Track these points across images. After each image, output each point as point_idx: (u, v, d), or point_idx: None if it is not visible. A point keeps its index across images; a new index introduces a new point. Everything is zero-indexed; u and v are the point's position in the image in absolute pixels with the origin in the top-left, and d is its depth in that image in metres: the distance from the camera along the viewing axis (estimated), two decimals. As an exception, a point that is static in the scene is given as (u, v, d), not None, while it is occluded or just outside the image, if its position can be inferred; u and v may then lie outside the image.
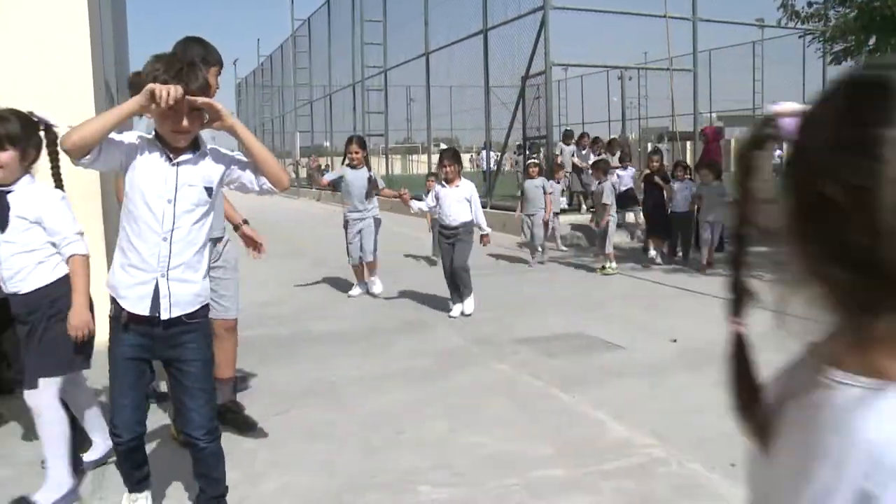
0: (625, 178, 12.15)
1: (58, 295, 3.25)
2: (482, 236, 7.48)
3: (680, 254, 10.65)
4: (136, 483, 2.98)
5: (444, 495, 3.41)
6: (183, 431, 3.02)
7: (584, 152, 15.57)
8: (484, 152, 18.60)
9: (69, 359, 3.31)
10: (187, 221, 2.71)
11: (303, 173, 34.11)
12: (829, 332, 0.79)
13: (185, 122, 2.63)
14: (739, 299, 0.89)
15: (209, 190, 2.77)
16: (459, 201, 7.18)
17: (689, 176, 10.46)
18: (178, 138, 2.68)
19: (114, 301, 2.75)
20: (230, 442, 3.84)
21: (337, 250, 9.08)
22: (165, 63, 2.63)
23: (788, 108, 0.79)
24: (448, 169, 7.26)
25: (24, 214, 3.21)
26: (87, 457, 3.68)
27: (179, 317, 2.74)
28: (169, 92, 2.49)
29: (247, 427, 4.24)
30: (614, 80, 33.07)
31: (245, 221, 4.61)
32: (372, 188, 8.24)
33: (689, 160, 15.02)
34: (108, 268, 2.96)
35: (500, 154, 17.59)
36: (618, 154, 14.90)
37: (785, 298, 0.83)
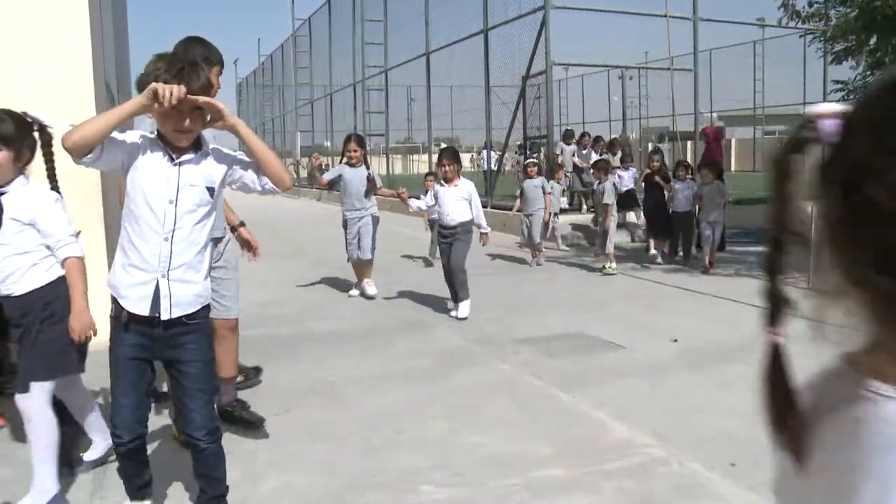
0: (626, 178, 12.15)
1: (52, 297, 3.22)
2: (482, 235, 7.46)
3: (681, 254, 10.65)
4: (136, 490, 2.95)
5: (444, 495, 3.41)
6: (184, 432, 3.02)
7: (584, 152, 15.57)
8: (485, 152, 18.59)
9: (63, 362, 3.28)
10: (189, 222, 2.71)
11: (303, 173, 34.12)
12: (869, 343, 0.76)
13: (187, 122, 2.63)
14: (776, 308, 0.86)
15: (211, 190, 2.76)
16: (458, 200, 7.16)
17: (690, 176, 10.46)
18: (180, 138, 2.68)
19: (114, 301, 2.75)
20: (231, 442, 3.84)
21: (337, 250, 9.08)
22: (167, 62, 2.63)
23: (829, 109, 0.77)
24: (447, 168, 7.25)
25: (17, 216, 3.18)
26: (87, 456, 3.68)
27: (180, 317, 2.73)
28: (172, 91, 2.49)
29: (254, 424, 4.27)
30: (615, 80, 33.12)
31: (242, 223, 4.60)
32: (371, 187, 8.19)
33: (689, 160, 14.99)
34: (109, 267, 2.96)
35: (500, 154, 17.59)
36: (618, 154, 14.91)
37: (823, 307, 0.80)
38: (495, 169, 17.35)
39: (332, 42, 28.55)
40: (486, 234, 7.53)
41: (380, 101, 23.99)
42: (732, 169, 33.00)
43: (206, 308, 2.87)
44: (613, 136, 21.40)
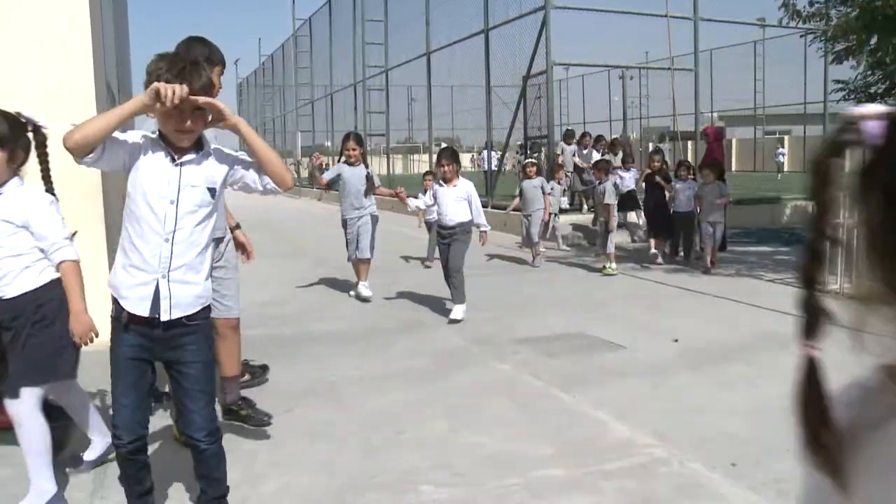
0: (627, 179, 12.12)
1: (44, 300, 3.19)
2: (481, 233, 7.45)
3: (681, 254, 10.65)
4: (137, 497, 2.92)
5: (444, 495, 3.41)
6: (184, 433, 3.02)
7: (585, 152, 15.55)
8: (485, 152, 18.60)
9: (54, 367, 3.24)
10: (190, 222, 2.70)
11: (304, 173, 34.12)
12: None
13: (188, 123, 2.62)
14: (813, 320, 0.82)
15: (212, 191, 2.75)
16: (457, 200, 7.14)
17: (692, 176, 10.45)
18: (181, 138, 2.67)
19: (115, 301, 2.74)
20: (231, 442, 3.84)
21: (338, 250, 9.08)
22: (169, 62, 2.62)
23: (873, 110, 0.74)
24: (446, 169, 7.23)
25: (10, 218, 3.13)
26: (87, 456, 3.67)
27: (180, 318, 2.72)
28: (174, 91, 2.48)
29: (262, 421, 4.29)
30: (615, 80, 33.14)
31: (237, 226, 4.60)
32: (370, 186, 8.14)
33: (690, 160, 14.98)
34: (110, 268, 2.95)
35: (501, 154, 17.59)
36: (619, 154, 14.89)
37: (862, 316, 0.77)
38: (496, 169, 17.35)
39: (333, 42, 28.56)
40: (486, 232, 7.50)
41: (380, 101, 24.00)
42: (733, 169, 33.02)
43: (207, 309, 2.85)
44: (614, 136, 21.37)
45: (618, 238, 10.17)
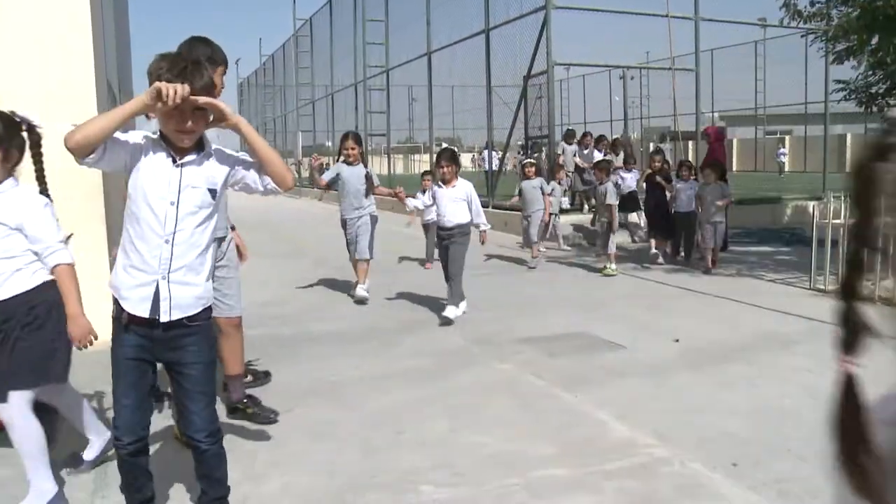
0: (628, 179, 12.09)
1: (36, 302, 3.15)
2: (481, 233, 7.42)
3: (682, 254, 10.64)
4: None
5: (445, 495, 3.41)
6: (185, 433, 3.01)
7: (586, 152, 15.55)
8: (486, 152, 18.59)
9: (44, 371, 3.20)
10: (190, 224, 2.69)
11: (305, 173, 34.12)
12: None
13: (189, 123, 2.61)
14: (852, 335, 0.78)
15: (213, 192, 2.74)
16: (455, 201, 7.10)
17: (693, 176, 10.43)
18: (182, 138, 2.65)
19: (115, 302, 2.74)
20: (232, 442, 3.84)
21: (338, 250, 9.07)
22: (170, 62, 2.60)
23: None
24: (445, 170, 7.19)
25: (4, 220, 3.09)
26: (86, 455, 3.65)
27: (180, 319, 2.71)
28: (176, 90, 2.47)
29: (267, 419, 4.35)
30: (616, 80, 33.16)
31: (232, 227, 4.60)
32: (369, 185, 8.06)
33: (691, 160, 14.98)
34: (110, 268, 2.94)
35: (502, 154, 17.59)
36: (621, 154, 14.88)
37: None
38: (497, 169, 17.35)
39: (334, 42, 28.55)
40: (486, 231, 7.46)
41: (381, 101, 23.99)
42: (734, 169, 33.00)
43: (208, 310, 2.84)
44: (615, 137, 21.37)
45: (618, 238, 10.17)
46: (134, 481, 2.87)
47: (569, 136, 16.34)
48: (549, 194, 10.87)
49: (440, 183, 7.26)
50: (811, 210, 8.53)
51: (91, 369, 4.32)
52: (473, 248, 7.55)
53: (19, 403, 3.14)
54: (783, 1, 10.16)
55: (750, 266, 10.05)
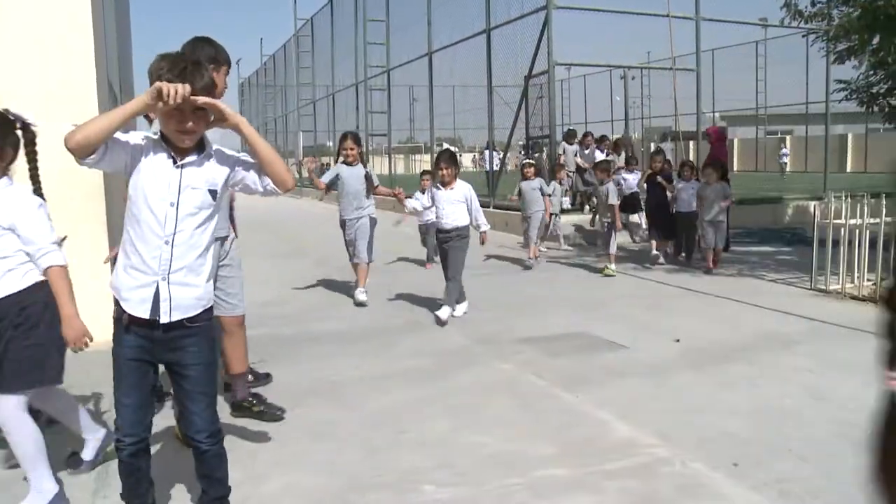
0: (630, 181, 12.07)
1: (28, 303, 3.12)
2: (481, 234, 7.39)
3: (683, 254, 10.63)
4: None
5: (446, 495, 3.41)
6: (185, 434, 3.01)
7: (587, 152, 15.54)
8: (487, 152, 18.59)
9: (39, 372, 3.17)
10: (190, 225, 2.68)
11: (305, 172, 34.09)
12: None
13: (189, 123, 2.61)
14: None
15: (213, 193, 2.73)
16: (454, 203, 7.07)
17: (695, 176, 10.41)
18: (182, 139, 2.65)
19: (116, 302, 2.74)
20: (232, 442, 3.85)
21: (339, 250, 9.06)
22: (170, 62, 2.59)
23: None
24: (444, 172, 7.14)
25: None
26: (85, 455, 3.63)
27: (180, 320, 2.71)
28: (177, 90, 2.46)
29: (275, 416, 4.38)
30: (617, 80, 33.17)
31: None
32: (369, 186, 7.98)
33: (692, 160, 14.97)
34: (111, 268, 2.94)
35: (503, 154, 17.59)
36: (623, 154, 14.87)
37: None
38: (498, 169, 17.35)
39: (335, 42, 28.56)
40: (486, 232, 7.40)
41: (382, 101, 24.00)
42: (735, 169, 33.01)
43: (209, 311, 2.83)
44: (617, 137, 21.36)
45: (619, 238, 10.16)
46: (135, 487, 2.85)
47: (570, 136, 16.34)
48: (549, 195, 10.84)
49: (439, 185, 7.23)
50: (812, 210, 8.52)
51: (92, 370, 4.32)
52: (474, 248, 7.55)
53: (15, 406, 3.13)
54: (784, 1, 10.15)
55: (751, 266, 10.05)
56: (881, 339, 0.65)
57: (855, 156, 36.68)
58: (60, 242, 3.20)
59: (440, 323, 6.88)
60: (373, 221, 8.09)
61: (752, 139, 37.79)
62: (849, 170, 35.78)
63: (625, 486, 3.47)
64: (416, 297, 8.15)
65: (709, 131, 13.78)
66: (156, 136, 2.70)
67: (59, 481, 3.29)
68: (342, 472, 3.66)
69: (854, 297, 7.77)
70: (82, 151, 2.47)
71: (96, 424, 3.70)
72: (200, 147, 2.73)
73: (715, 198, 9.76)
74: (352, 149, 7.95)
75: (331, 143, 30.64)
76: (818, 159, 22.13)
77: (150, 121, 2.68)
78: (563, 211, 12.95)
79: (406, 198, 7.63)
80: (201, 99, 2.57)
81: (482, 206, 7.46)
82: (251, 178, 2.81)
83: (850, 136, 36.83)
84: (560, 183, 12.65)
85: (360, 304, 7.85)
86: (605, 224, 9.85)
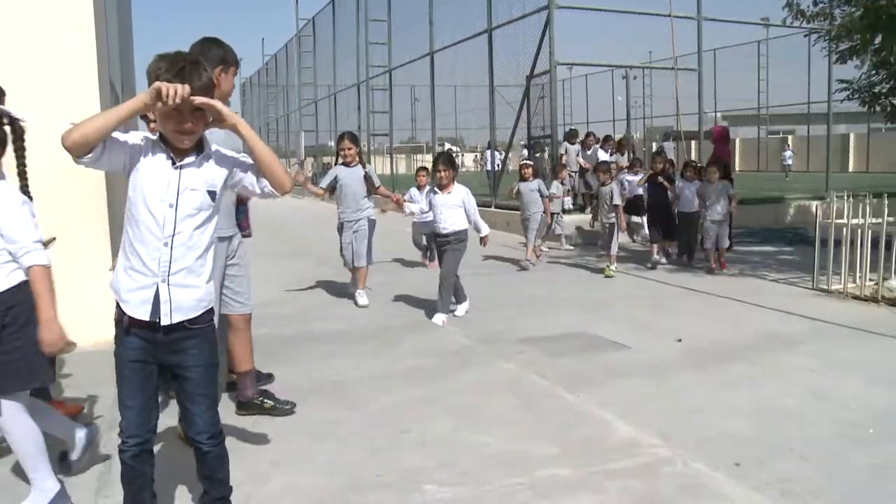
0: (633, 183, 12.03)
1: (13, 303, 3.07)
2: (481, 238, 7.33)
3: (685, 255, 10.62)
4: None
5: (448, 494, 3.41)
6: (186, 435, 3.01)
7: (589, 152, 15.54)
8: (488, 152, 18.60)
9: (32, 372, 3.12)
10: (189, 226, 2.67)
11: (308, 172, 34.10)
12: None
13: (188, 124, 2.59)
14: None
15: (212, 194, 2.72)
16: (451, 208, 7.02)
17: (698, 176, 10.38)
18: (181, 139, 2.63)
19: (117, 304, 2.72)
20: (234, 442, 3.85)
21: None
22: (168, 62, 2.58)
23: None
24: (442, 174, 7.07)
25: None
26: (74, 456, 3.58)
27: (181, 322, 2.69)
28: (176, 90, 2.45)
29: (286, 411, 4.45)
30: (619, 80, 33.19)
31: None
32: (370, 186, 7.89)
33: (694, 160, 14.96)
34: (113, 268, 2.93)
35: (504, 153, 17.59)
36: (626, 154, 14.86)
37: None
38: (499, 169, 17.35)
39: (336, 42, 28.56)
40: (486, 236, 7.29)
41: (384, 101, 24.00)
42: (737, 168, 32.98)
43: (209, 312, 2.82)
44: (620, 137, 21.38)
45: (620, 239, 10.15)
46: (136, 495, 2.84)
47: (571, 136, 16.34)
48: (549, 196, 10.78)
49: (436, 189, 7.18)
50: (814, 210, 8.51)
51: (93, 369, 4.33)
52: (474, 248, 7.53)
53: (12, 407, 3.11)
54: (786, 1, 10.15)
55: (753, 266, 10.04)
56: None
57: (857, 155, 36.66)
58: (47, 243, 3.15)
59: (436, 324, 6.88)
60: (371, 224, 8.02)
61: (753, 139, 37.78)
62: (851, 169, 35.78)
63: (626, 485, 3.47)
64: (417, 296, 8.14)
65: (712, 130, 13.79)
66: (154, 137, 2.69)
67: (60, 479, 3.29)
68: (343, 472, 3.66)
69: (856, 297, 7.76)
70: (79, 150, 2.45)
71: (74, 423, 3.66)
72: (199, 148, 2.72)
73: (717, 197, 9.74)
74: (349, 149, 7.85)
75: (332, 143, 30.63)
76: (820, 159, 22.13)
77: (149, 121, 2.66)
78: (564, 211, 12.95)
79: (405, 203, 7.58)
80: (199, 99, 2.55)
81: (484, 205, 7.43)
82: (249, 179, 2.80)
83: (852, 136, 36.82)
84: (562, 183, 12.64)
85: (361, 307, 7.83)
86: (607, 225, 9.84)
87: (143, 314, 2.66)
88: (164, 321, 2.66)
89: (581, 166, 15.24)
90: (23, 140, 3.24)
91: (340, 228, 8.03)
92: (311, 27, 32.52)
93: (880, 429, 4.15)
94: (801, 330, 6.49)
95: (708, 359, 5.62)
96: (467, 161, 43.14)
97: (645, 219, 11.60)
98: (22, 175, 3.25)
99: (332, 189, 7.96)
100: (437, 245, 7.26)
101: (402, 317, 7.32)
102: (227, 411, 4.21)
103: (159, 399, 2.92)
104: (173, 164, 2.65)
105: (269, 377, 5.14)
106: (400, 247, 11.51)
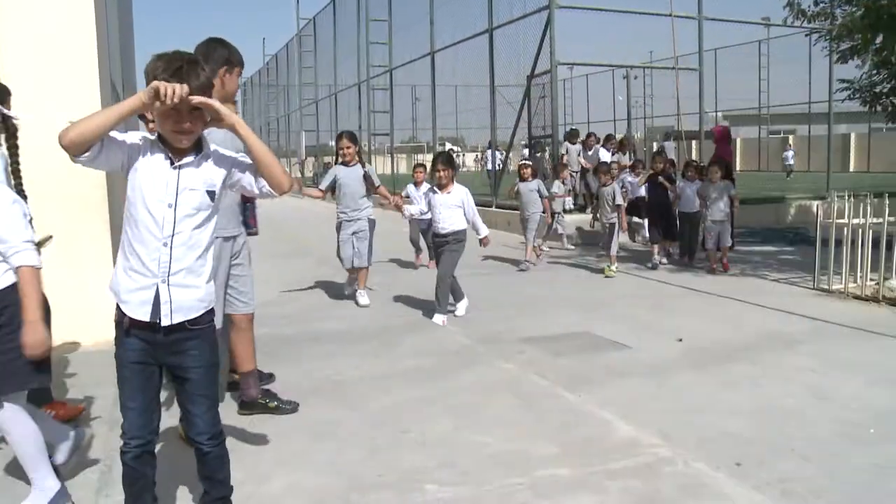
0: (635, 184, 12.01)
1: (8, 303, 3.03)
2: (480, 239, 7.29)
3: (686, 256, 10.61)
4: None
5: (448, 494, 3.41)
6: (187, 435, 3.00)
7: (590, 153, 15.53)
8: (489, 151, 18.60)
9: (30, 372, 3.09)
10: (188, 226, 2.66)
11: (308, 172, 34.14)
12: None
13: (187, 124, 2.58)
14: None
15: (211, 193, 2.71)
16: (451, 208, 6.99)
17: (699, 176, 10.37)
18: (179, 139, 2.62)
19: (117, 306, 2.71)
20: (235, 442, 3.85)
21: (341, 250, 9.07)
22: (166, 62, 2.57)
23: None
24: (441, 174, 7.04)
25: None
26: (57, 460, 3.55)
27: (182, 323, 2.69)
28: (174, 90, 2.44)
29: (290, 410, 4.47)
30: (620, 80, 33.20)
31: None
32: (370, 185, 7.86)
33: (695, 159, 14.96)
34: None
35: (505, 153, 17.60)
36: (628, 154, 14.85)
37: None
38: (500, 168, 17.34)
39: (337, 42, 28.58)
40: (485, 237, 7.24)
41: (384, 101, 24.01)
42: (738, 168, 32.95)
43: (210, 313, 2.81)
44: (622, 136, 21.40)
45: (620, 239, 10.14)
46: (138, 496, 2.82)
47: (572, 136, 16.33)
48: (547, 197, 10.75)
49: (436, 189, 7.16)
50: (815, 210, 8.51)
51: (93, 369, 4.33)
52: (474, 248, 7.52)
53: (11, 408, 3.10)
54: (787, 0, 10.14)
55: (754, 266, 10.04)
56: None
57: (858, 155, 36.65)
58: (44, 240, 3.12)
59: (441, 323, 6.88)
60: (371, 224, 7.99)
61: (754, 139, 37.77)
62: (851, 169, 35.76)
63: (627, 485, 3.47)
64: (416, 296, 8.14)
65: (714, 130, 13.78)
66: (153, 137, 2.68)
67: (61, 478, 3.28)
68: (344, 472, 3.65)
69: (857, 297, 7.76)
70: (76, 149, 2.44)
71: (62, 427, 3.64)
72: (198, 148, 2.71)
73: (718, 196, 9.73)
74: (348, 147, 7.81)
75: (333, 143, 30.63)
76: (821, 159, 22.13)
77: (148, 122, 2.65)
78: (565, 211, 12.94)
79: (404, 205, 7.57)
80: (197, 98, 2.54)
81: (485, 205, 7.42)
82: (247, 179, 2.79)
83: (852, 136, 36.81)
84: (564, 183, 12.64)
85: (362, 307, 7.83)
86: (607, 225, 9.83)
87: (144, 315, 2.65)
88: (165, 322, 2.65)
89: (582, 167, 15.22)
90: (16, 138, 3.21)
91: (339, 227, 8.02)
92: (311, 27, 32.53)
93: (881, 428, 4.14)
94: (802, 330, 6.49)
95: (709, 358, 5.62)
96: (468, 161, 43.16)
97: (646, 219, 11.59)
98: (16, 174, 3.20)
99: (333, 189, 7.93)
100: (436, 245, 7.25)
101: (401, 317, 7.31)
102: (227, 411, 4.21)
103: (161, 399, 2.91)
104: (172, 163, 2.64)
105: (270, 377, 5.14)
106: (399, 247, 11.50)
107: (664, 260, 10.44)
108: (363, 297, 7.89)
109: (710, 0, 15.57)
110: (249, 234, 4.48)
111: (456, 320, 7.03)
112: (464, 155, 42.89)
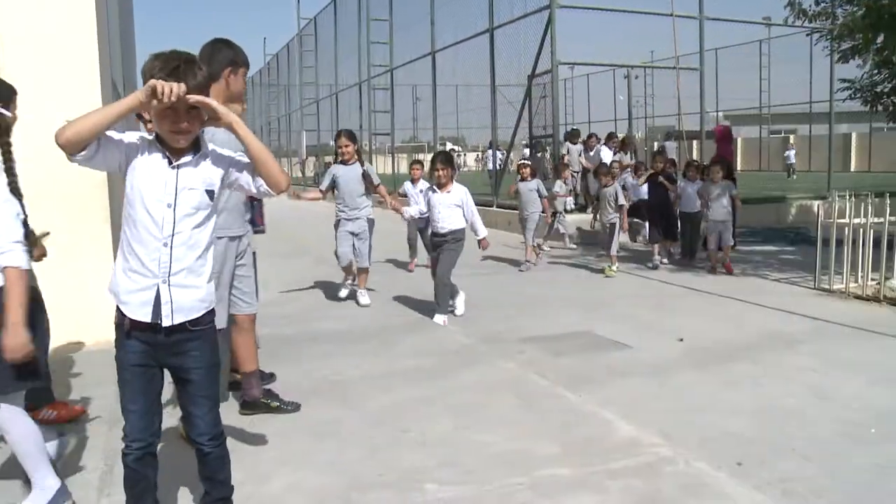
0: (637, 186, 11.97)
1: (2, 302, 2.96)
2: (479, 241, 7.24)
3: (687, 254, 10.61)
4: None
5: (449, 494, 3.40)
6: (188, 436, 3.00)
7: (591, 153, 15.52)
8: (490, 151, 18.60)
9: (28, 372, 3.06)
10: (188, 226, 2.65)
11: (309, 172, 34.17)
12: None
13: (184, 123, 2.57)
14: None
15: (211, 193, 2.70)
16: (450, 207, 6.97)
17: (700, 176, 10.36)
18: (177, 139, 2.61)
19: (117, 308, 2.70)
20: (236, 441, 3.85)
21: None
22: (163, 61, 2.55)
23: None
24: (441, 173, 7.01)
25: None
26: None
27: (183, 323, 2.67)
28: (172, 88, 2.43)
29: (292, 410, 4.48)
30: (621, 79, 33.22)
31: None
32: (369, 184, 7.82)
33: (696, 159, 14.95)
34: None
35: (506, 153, 17.61)
36: (630, 154, 14.84)
37: None
38: (501, 168, 17.34)
39: (338, 41, 28.58)
40: (484, 239, 7.19)
41: (385, 101, 24.02)
42: (739, 168, 32.95)
43: (211, 313, 2.80)
44: (624, 135, 21.40)
45: (620, 239, 10.14)
46: (139, 498, 2.81)
47: (573, 136, 16.32)
48: (546, 197, 10.73)
49: (435, 188, 7.14)
50: (816, 209, 8.51)
51: (93, 369, 4.32)
52: (474, 248, 7.52)
53: (9, 408, 3.09)
54: (788, 0, 10.14)
55: (755, 265, 10.04)
56: None
57: (859, 155, 36.64)
58: (42, 237, 3.08)
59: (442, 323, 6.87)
60: (371, 223, 7.96)
61: (755, 138, 37.77)
62: (852, 169, 35.75)
63: (628, 485, 3.46)
64: (416, 296, 8.14)
65: (715, 130, 13.78)
66: (151, 137, 2.67)
67: (62, 478, 3.28)
68: (344, 472, 3.65)
69: (858, 297, 7.75)
70: (73, 147, 2.43)
71: (49, 431, 3.62)
72: (196, 147, 2.69)
73: (719, 196, 9.73)
74: (346, 146, 7.77)
75: (333, 143, 30.62)
76: (822, 158, 22.14)
77: (146, 122, 2.63)
78: (567, 211, 12.94)
79: (403, 206, 7.56)
80: (193, 97, 2.52)
81: (485, 205, 7.41)
82: (244, 178, 2.77)
83: (853, 136, 36.80)
84: (565, 182, 12.63)
85: (362, 306, 7.82)
86: (607, 225, 9.83)
87: (144, 316, 2.63)
88: (166, 322, 2.64)
89: (583, 167, 15.21)
90: (8, 135, 3.16)
91: (337, 225, 8.00)
92: (312, 26, 32.53)
93: (882, 428, 4.14)
94: (803, 329, 6.48)
95: (710, 358, 5.61)
96: (469, 160, 43.17)
97: (647, 221, 11.59)
98: (10, 171, 3.13)
99: (333, 188, 7.92)
100: (434, 244, 7.23)
101: (401, 316, 7.31)
102: (228, 411, 4.21)
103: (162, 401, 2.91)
104: (170, 163, 2.63)
105: (271, 377, 5.14)
106: (398, 247, 11.48)
107: (665, 260, 10.44)
108: (364, 297, 7.88)
109: (711, 0, 15.60)
110: (256, 231, 4.48)
111: (456, 320, 7.03)
112: (465, 155, 42.91)
